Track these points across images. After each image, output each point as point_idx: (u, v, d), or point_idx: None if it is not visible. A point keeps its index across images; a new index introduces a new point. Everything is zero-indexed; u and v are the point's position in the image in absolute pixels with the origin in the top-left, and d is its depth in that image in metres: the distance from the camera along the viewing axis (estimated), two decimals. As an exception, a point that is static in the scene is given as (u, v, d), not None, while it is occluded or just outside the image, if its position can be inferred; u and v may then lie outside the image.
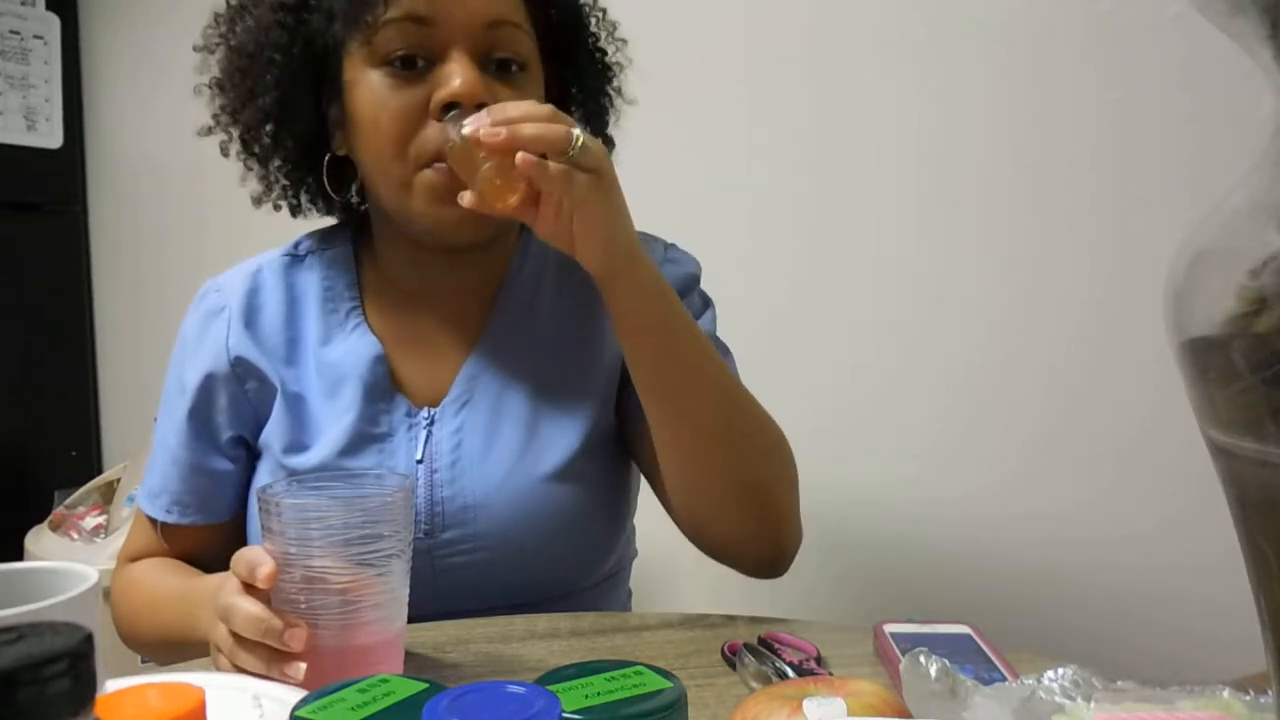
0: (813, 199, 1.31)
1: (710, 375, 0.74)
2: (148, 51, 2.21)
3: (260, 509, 0.60)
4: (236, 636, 0.60)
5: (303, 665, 0.57)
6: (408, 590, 0.63)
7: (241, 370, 0.81)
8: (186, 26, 0.87)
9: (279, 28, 0.77)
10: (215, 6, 0.84)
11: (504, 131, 0.64)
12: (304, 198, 0.88)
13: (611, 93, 0.90)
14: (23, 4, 2.22)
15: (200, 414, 0.83)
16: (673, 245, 0.91)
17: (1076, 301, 1.12)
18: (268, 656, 0.59)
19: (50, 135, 2.26)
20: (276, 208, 0.88)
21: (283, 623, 0.57)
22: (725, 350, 0.90)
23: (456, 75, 0.72)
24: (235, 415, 0.83)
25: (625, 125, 0.93)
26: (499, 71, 0.75)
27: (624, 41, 0.90)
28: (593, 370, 0.84)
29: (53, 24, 2.26)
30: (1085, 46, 1.09)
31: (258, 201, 0.87)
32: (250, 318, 0.83)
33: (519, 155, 0.63)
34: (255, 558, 0.59)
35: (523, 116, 0.64)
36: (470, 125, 0.66)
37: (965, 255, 1.20)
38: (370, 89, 0.75)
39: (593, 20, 0.87)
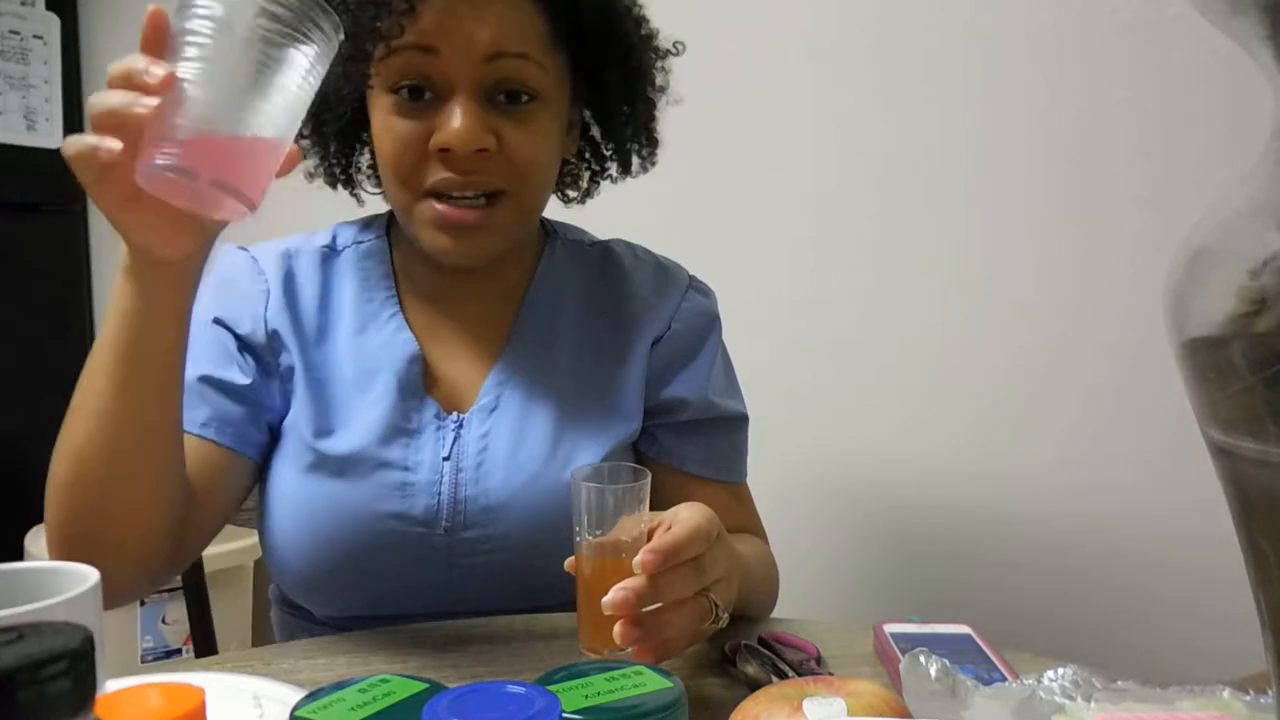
0: (835, 201, 1.31)
1: (746, 593, 0.72)
2: (148, 51, 2.21)
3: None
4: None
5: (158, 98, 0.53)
6: (296, 120, 0.58)
7: (276, 344, 0.82)
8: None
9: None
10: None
11: (653, 594, 0.57)
12: (357, 176, 0.90)
13: (651, 97, 0.86)
14: (23, 4, 2.22)
15: (226, 330, 0.80)
16: (694, 276, 0.92)
17: (1069, 301, 1.12)
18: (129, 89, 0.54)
19: (50, 135, 2.26)
20: (331, 186, 0.90)
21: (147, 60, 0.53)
22: (731, 374, 0.90)
23: (456, 119, 0.72)
24: (260, 370, 0.81)
25: (673, 127, 0.90)
26: (508, 103, 0.75)
27: (668, 51, 0.86)
28: (619, 380, 0.85)
29: (53, 24, 2.26)
30: (1085, 47, 1.09)
31: (310, 176, 0.88)
32: (289, 297, 0.83)
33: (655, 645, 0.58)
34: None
35: (677, 596, 0.58)
36: (641, 556, 0.56)
37: (953, 257, 1.20)
38: (382, 112, 0.76)
39: (629, 28, 0.82)
